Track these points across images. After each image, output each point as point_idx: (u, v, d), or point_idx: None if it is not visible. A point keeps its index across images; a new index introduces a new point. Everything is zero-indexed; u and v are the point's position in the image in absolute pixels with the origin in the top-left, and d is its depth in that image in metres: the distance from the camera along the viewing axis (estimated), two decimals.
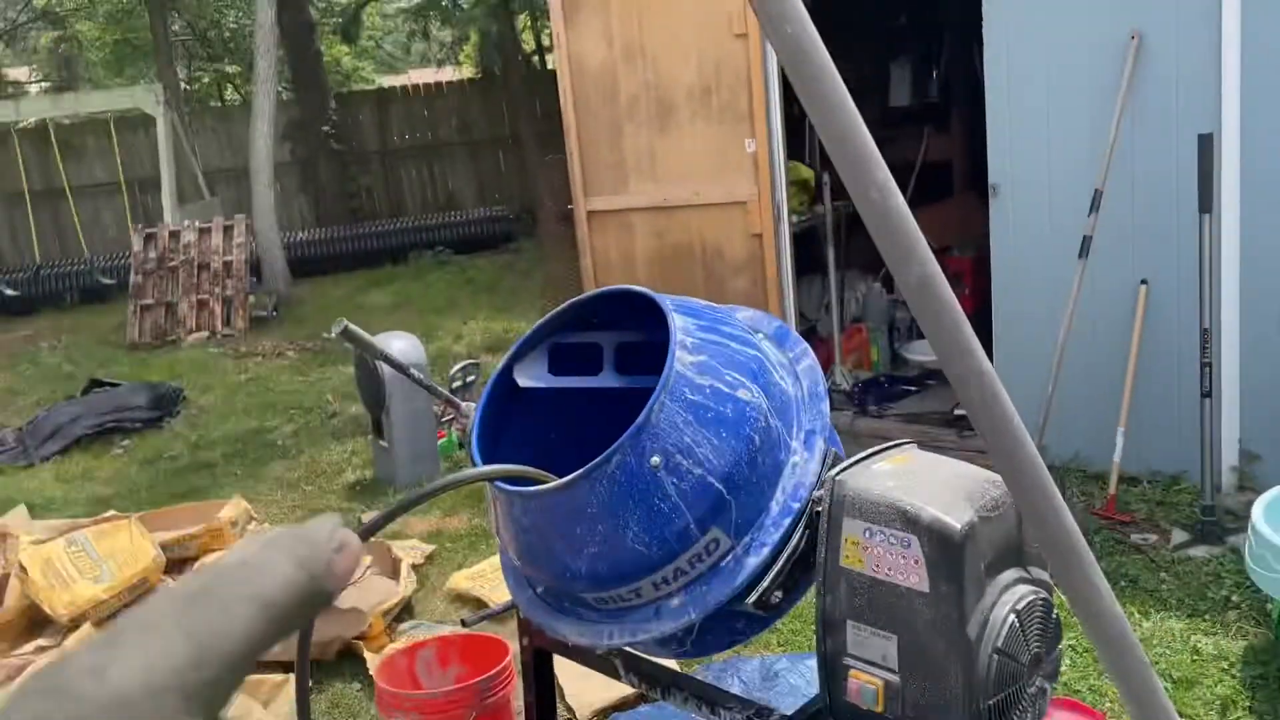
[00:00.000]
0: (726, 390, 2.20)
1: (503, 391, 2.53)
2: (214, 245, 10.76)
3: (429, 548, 4.95)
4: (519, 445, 2.65)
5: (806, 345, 2.44)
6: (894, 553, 1.90)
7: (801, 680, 3.54)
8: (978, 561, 1.85)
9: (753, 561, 2.14)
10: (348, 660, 4.00)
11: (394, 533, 5.24)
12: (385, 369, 5.70)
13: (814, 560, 2.17)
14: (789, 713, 2.37)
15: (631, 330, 2.58)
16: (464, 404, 2.76)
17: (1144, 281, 4.62)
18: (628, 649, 2.62)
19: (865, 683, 1.93)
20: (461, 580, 4.55)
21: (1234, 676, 3.34)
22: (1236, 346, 4.44)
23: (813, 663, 3.63)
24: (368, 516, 5.43)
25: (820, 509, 2.08)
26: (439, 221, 14.23)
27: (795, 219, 6.03)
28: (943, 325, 1.00)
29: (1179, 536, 4.28)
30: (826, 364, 6.52)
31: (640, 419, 2.13)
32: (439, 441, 6.06)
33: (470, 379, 5.79)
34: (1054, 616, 1.97)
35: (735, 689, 3.52)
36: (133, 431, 7.35)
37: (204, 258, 10.73)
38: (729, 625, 2.36)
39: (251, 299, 11.03)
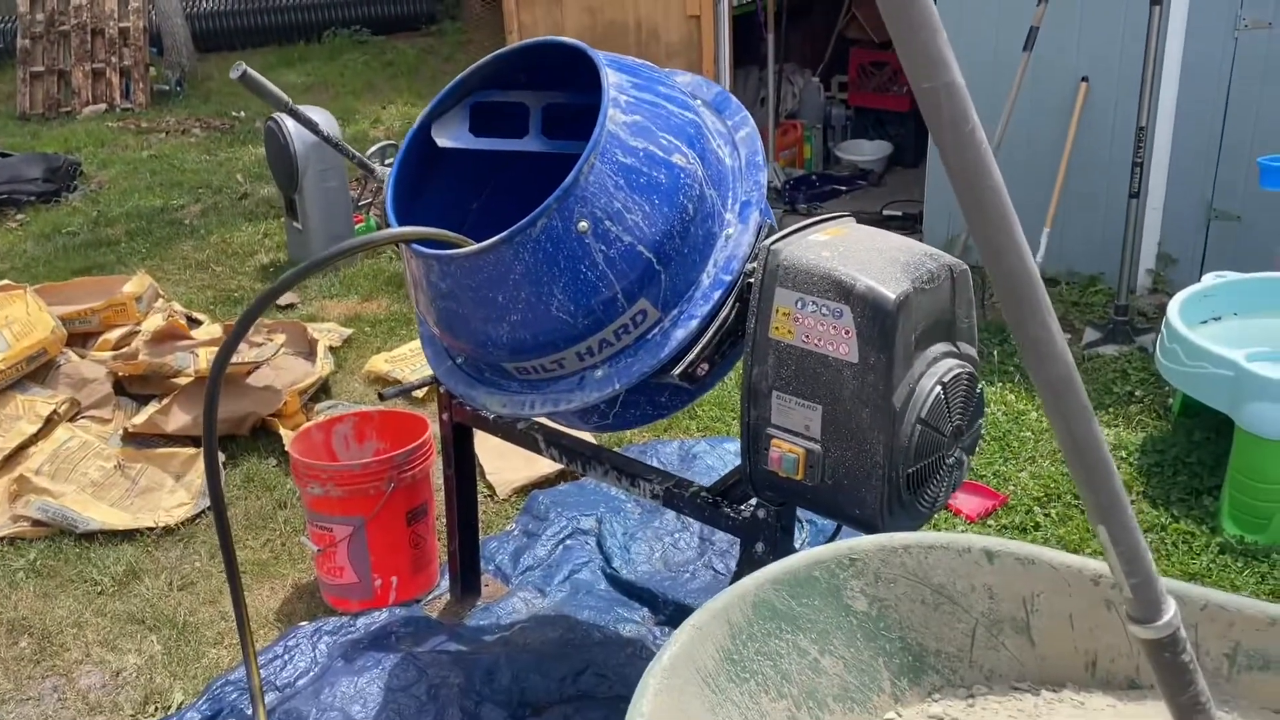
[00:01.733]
0: (661, 154, 2.08)
1: (420, 152, 2.37)
2: (108, 9, 9.93)
3: (347, 331, 4.84)
4: (436, 212, 2.51)
5: (747, 113, 2.32)
6: (825, 323, 1.85)
7: (719, 463, 3.60)
8: (909, 333, 1.81)
9: (680, 334, 2.08)
10: (263, 437, 3.95)
11: (310, 315, 5.10)
12: (298, 146, 5.40)
13: (743, 333, 2.13)
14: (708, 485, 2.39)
15: (561, 91, 2.42)
16: (378, 168, 2.59)
17: (1084, 79, 4.53)
18: (548, 423, 2.60)
19: (787, 451, 1.92)
20: (380, 363, 4.47)
21: (1131, 464, 3.48)
22: (1168, 149, 4.42)
23: (731, 446, 3.69)
24: (281, 298, 5.27)
25: (752, 280, 2.02)
26: None
27: (734, 1, 5.73)
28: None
29: (1090, 335, 4.37)
30: None
31: (568, 180, 2.01)
32: (356, 226, 5.84)
33: (388, 161, 5.53)
34: (978, 391, 1.97)
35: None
36: (26, 205, 6.94)
37: (98, 23, 9.92)
38: (652, 398, 2.34)
39: (153, 71, 10.31)
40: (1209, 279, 3.63)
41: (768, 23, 6.02)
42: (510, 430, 2.65)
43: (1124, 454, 3.55)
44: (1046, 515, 3.26)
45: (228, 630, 2.99)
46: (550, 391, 2.19)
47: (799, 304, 1.89)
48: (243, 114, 9.53)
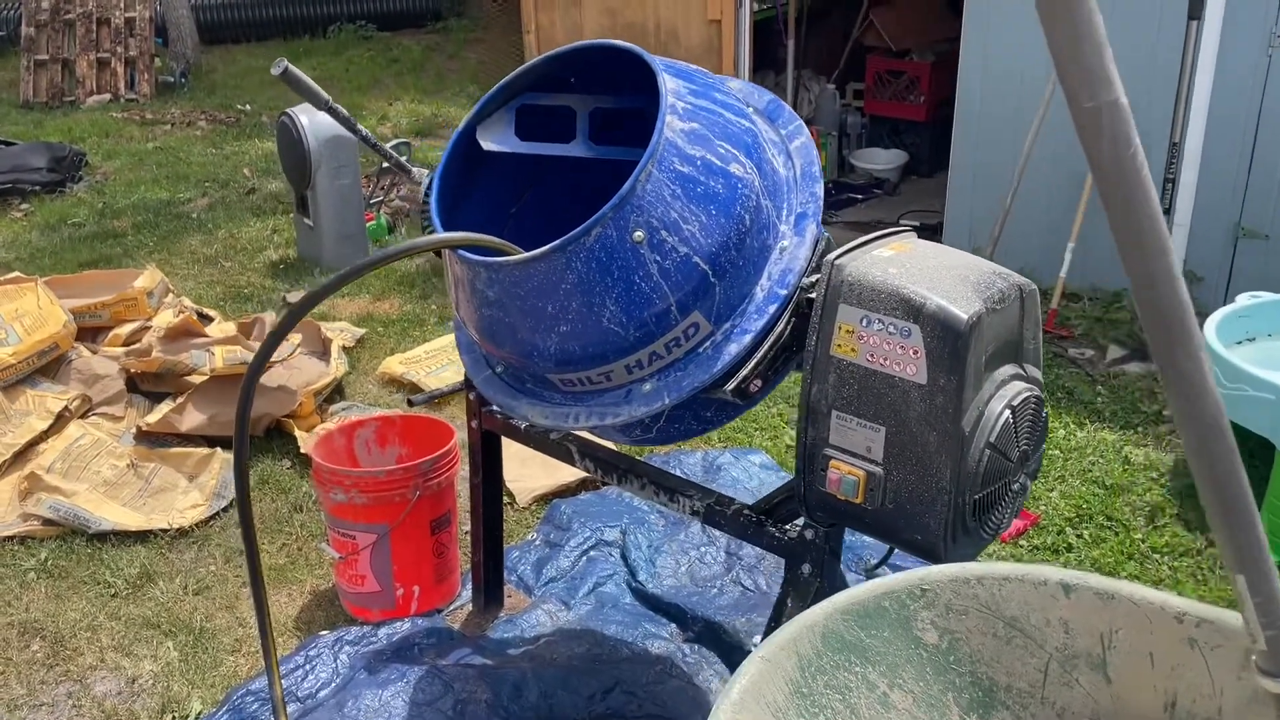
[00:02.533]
0: (719, 163, 2.02)
1: (463, 154, 2.30)
2: None
3: (360, 331, 4.76)
4: (477, 216, 2.45)
5: (801, 122, 2.26)
6: (892, 342, 1.79)
7: (744, 474, 3.54)
8: (979, 355, 1.75)
9: (733, 349, 2.02)
10: (277, 438, 3.87)
11: (322, 314, 5.03)
12: (311, 142, 5.32)
13: (797, 348, 2.07)
14: (750, 502, 2.33)
15: (609, 95, 2.36)
16: (415, 169, 2.52)
17: None
18: (583, 433, 2.53)
19: (847, 473, 1.86)
20: (395, 364, 4.40)
21: (1163, 486, 3.43)
22: (1196, 166, 4.38)
23: (756, 458, 3.63)
24: (292, 296, 5.20)
25: (812, 295, 1.96)
26: None
27: (755, 6, 5.67)
28: (1080, 44, 0.84)
29: (1115, 352, 4.33)
30: None
31: (625, 188, 1.95)
32: (368, 225, 5.77)
33: (403, 158, 5.46)
34: (1044, 414, 1.91)
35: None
36: (31, 194, 6.85)
37: (103, 12, 9.82)
38: (698, 413, 2.27)
39: (157, 62, 10.22)
40: (1244, 299, 3.59)
41: (788, 28, 5.97)
42: (543, 440, 2.58)
43: (1155, 474, 3.50)
44: (1079, 536, 3.21)
45: (245, 637, 2.92)
46: (595, 404, 2.13)
47: (864, 321, 1.83)
48: (248, 107, 9.45)
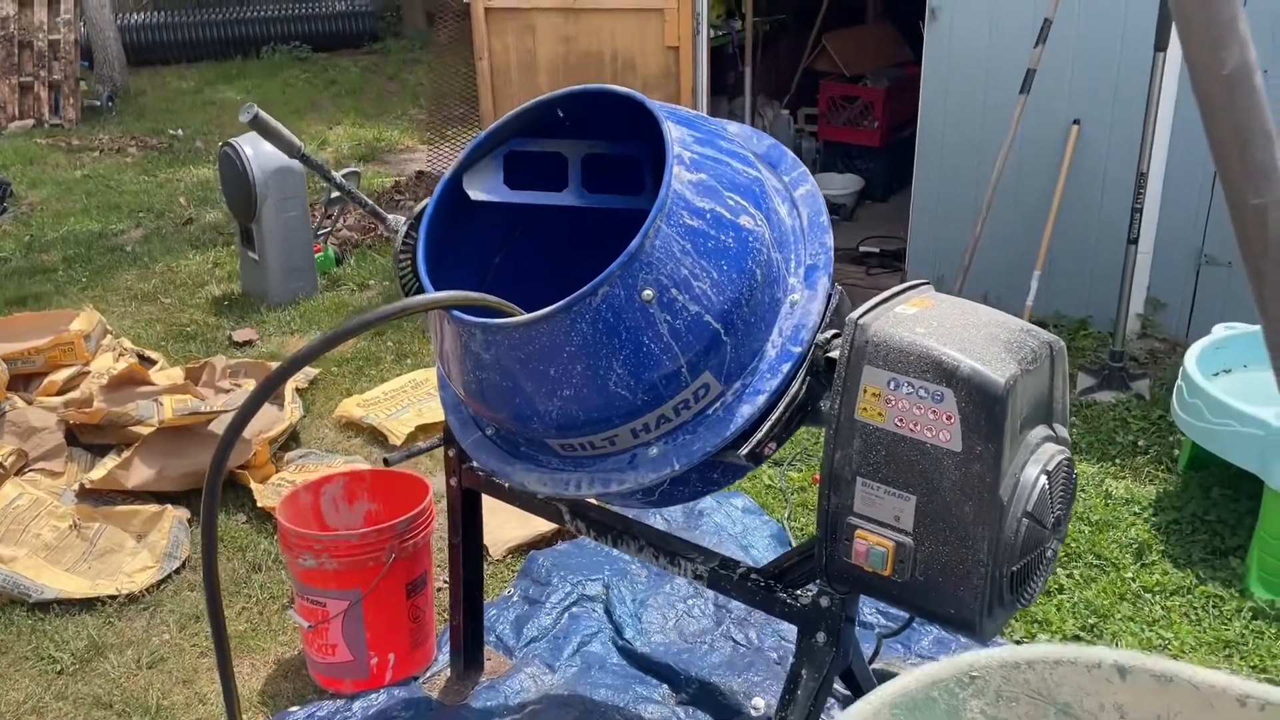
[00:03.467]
0: (729, 216, 1.91)
1: (449, 204, 2.16)
2: (38, 21, 9.46)
3: (314, 372, 4.56)
4: (462, 268, 2.31)
5: (805, 169, 2.16)
6: (923, 407, 1.70)
7: (727, 520, 3.43)
8: (1016, 419, 1.67)
9: (746, 410, 1.91)
10: (230, 490, 3.66)
11: (271, 353, 4.82)
12: (257, 173, 5.12)
13: (811, 408, 1.97)
14: (758, 565, 2.22)
15: (598, 140, 2.24)
16: (390, 216, 2.37)
17: (1076, 121, 4.49)
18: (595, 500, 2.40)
19: (875, 545, 1.76)
20: (353, 407, 4.21)
21: (1146, 520, 3.40)
22: (1159, 194, 4.39)
23: (739, 502, 3.52)
24: (238, 334, 4.98)
25: (831, 354, 1.86)
26: (296, 13, 12.95)
27: (711, 32, 5.61)
28: (1250, 135, 0.74)
29: (1085, 381, 4.31)
30: None
31: (633, 245, 1.83)
32: (316, 256, 5.57)
33: (352, 187, 5.27)
34: (1074, 476, 1.83)
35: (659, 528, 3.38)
36: None
37: (26, 35, 9.44)
38: (705, 475, 2.15)
39: (83, 86, 9.86)
40: (1219, 330, 3.58)
41: (744, 54, 5.91)
42: (530, 499, 2.44)
43: (1137, 509, 3.47)
44: (1069, 576, 3.15)
45: (208, 716, 2.72)
46: (598, 470, 2.00)
47: (892, 384, 1.73)
48: (181, 132, 9.14)
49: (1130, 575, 3.14)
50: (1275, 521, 2.97)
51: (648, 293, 1.81)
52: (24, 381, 4.08)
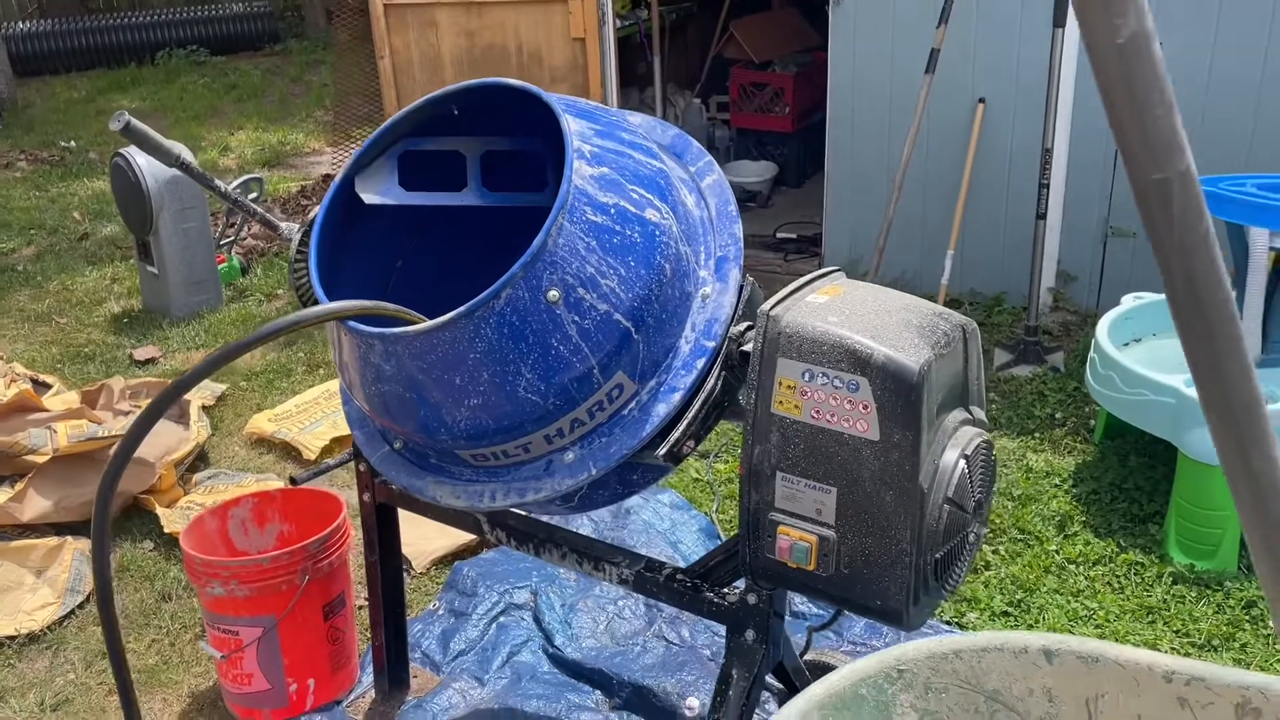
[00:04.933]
0: (634, 210, 1.85)
1: (341, 208, 2.07)
2: None
3: (220, 387, 4.40)
4: (359, 276, 2.21)
5: (711, 159, 2.11)
6: (839, 397, 1.66)
7: (655, 517, 3.38)
8: (932, 404, 1.64)
9: (662, 409, 1.85)
10: (135, 517, 3.50)
11: (175, 369, 4.64)
12: (150, 184, 4.91)
13: (727, 403, 1.92)
14: (651, 558, 2.18)
15: (498, 137, 2.16)
16: (283, 225, 2.26)
17: (981, 100, 4.53)
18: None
19: (798, 540, 1.72)
20: (264, 422, 4.06)
21: (1067, 492, 3.44)
22: (1064, 168, 4.46)
23: (666, 498, 3.47)
24: (140, 352, 4.78)
25: (745, 347, 1.81)
26: (190, 16, 12.54)
27: (617, 23, 5.54)
28: (1149, 107, 0.70)
29: (1001, 357, 4.36)
30: None
31: (535, 245, 1.75)
32: (219, 267, 5.37)
33: (253, 195, 5.10)
34: (993, 458, 1.81)
35: (586, 530, 3.32)
36: None
37: None
38: (624, 477, 2.09)
39: None
40: (1128, 300, 3.64)
41: (653, 43, 5.86)
42: (445, 511, 2.36)
43: (1058, 481, 3.51)
44: (995, 552, 3.17)
45: None
46: (513, 480, 1.93)
47: (806, 376, 1.69)
48: (73, 144, 8.78)
49: (1054, 548, 3.17)
50: (1190, 487, 3.02)
51: (553, 293, 1.75)
52: None
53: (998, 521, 3.30)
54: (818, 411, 1.68)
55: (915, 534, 1.65)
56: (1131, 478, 3.41)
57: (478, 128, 2.14)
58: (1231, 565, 2.98)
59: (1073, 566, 3.10)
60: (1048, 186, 4.12)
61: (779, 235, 5.73)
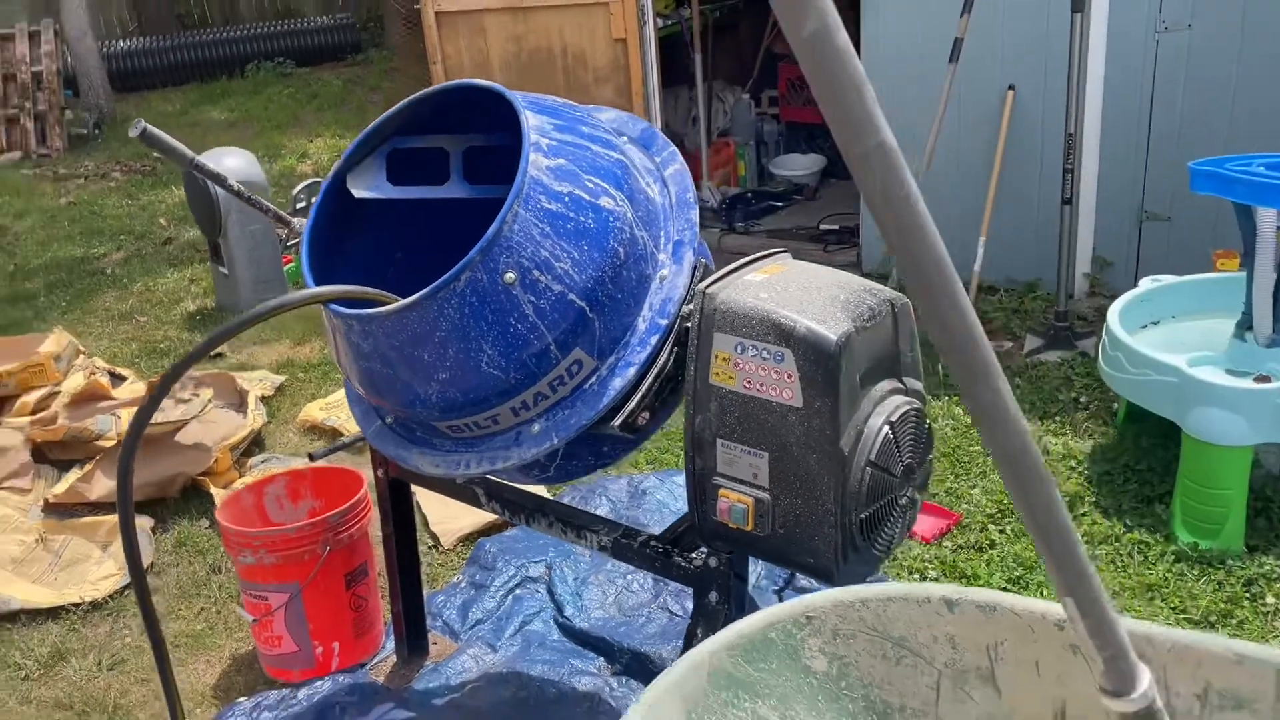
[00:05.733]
0: (587, 198, 2.00)
1: (337, 204, 2.26)
2: (19, 54, 9.64)
3: (279, 379, 4.68)
4: (359, 265, 2.41)
5: (675, 149, 2.25)
6: (766, 368, 1.78)
7: (669, 497, 3.52)
8: (853, 374, 1.75)
9: (618, 383, 2.00)
10: (194, 497, 3.78)
11: (241, 364, 4.94)
12: (219, 190, 5.23)
13: (683, 378, 2.05)
14: (657, 533, 2.31)
15: (481, 134, 2.33)
16: (295, 220, 2.47)
17: (1011, 87, 4.54)
18: (489, 477, 2.49)
19: (735, 501, 1.84)
20: (315, 411, 4.32)
21: (1081, 474, 3.46)
22: (1097, 152, 4.44)
23: (681, 479, 3.61)
24: None
25: (689, 324, 1.94)
26: (278, 30, 13.10)
27: (660, 22, 5.68)
28: (841, 90, 0.83)
29: (1032, 343, 4.37)
30: (694, 179, 6.32)
31: (491, 231, 1.92)
32: (286, 267, 5.68)
33: (316, 199, 5.39)
34: (926, 426, 1.91)
35: (603, 509, 3.48)
36: None
37: (9, 68, 9.62)
38: (595, 449, 2.25)
39: (69, 115, 10.03)
40: (1145, 283, 3.64)
41: (694, 42, 5.99)
42: (448, 485, 2.54)
43: (1074, 463, 3.53)
44: (1001, 532, 3.22)
45: (162, 711, 2.83)
46: (485, 449, 2.10)
47: (739, 349, 1.82)
48: (133, 135, 9.27)
49: None
50: (1194, 466, 3.03)
51: (510, 275, 1.90)
52: None
53: (1005, 503, 3.35)
54: (749, 381, 1.81)
55: (839, 495, 1.76)
56: (1145, 459, 3.42)
57: (469, 127, 2.32)
58: (1236, 544, 2.98)
59: None
60: (1073, 172, 4.13)
61: (822, 227, 5.79)
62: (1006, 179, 4.59)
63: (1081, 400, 3.93)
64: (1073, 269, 4.50)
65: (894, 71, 4.81)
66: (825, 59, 0.82)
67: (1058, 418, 3.84)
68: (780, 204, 6.35)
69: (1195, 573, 2.95)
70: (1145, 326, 3.55)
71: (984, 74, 4.55)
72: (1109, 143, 4.42)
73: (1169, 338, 3.48)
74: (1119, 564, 3.04)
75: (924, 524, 3.27)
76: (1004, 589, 2.99)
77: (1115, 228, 4.55)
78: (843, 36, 0.84)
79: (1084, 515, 3.25)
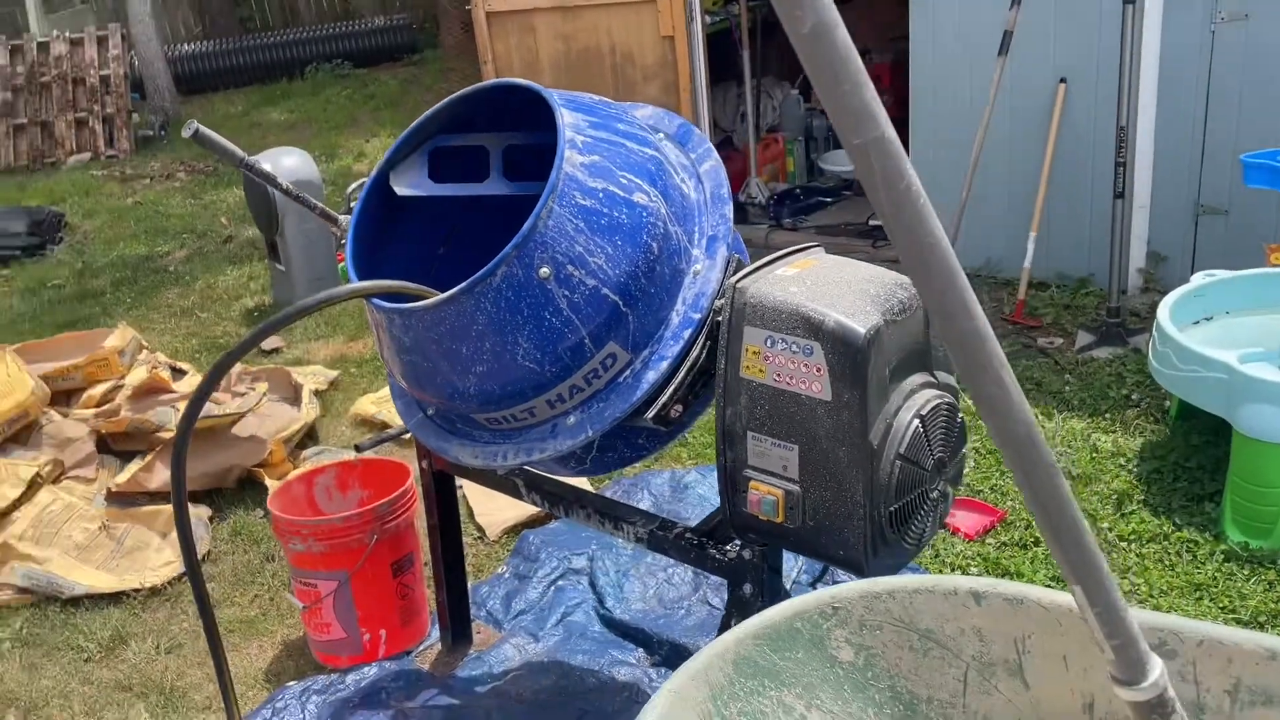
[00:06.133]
0: (621, 194, 2.03)
1: (381, 201, 2.32)
2: (89, 58, 9.94)
3: (333, 373, 4.79)
4: (402, 261, 2.46)
5: (710, 145, 2.27)
6: (796, 361, 1.80)
7: (711, 492, 3.54)
8: (882, 367, 1.76)
9: (651, 376, 2.03)
10: (249, 489, 3.89)
11: (297, 358, 5.06)
12: (275, 190, 5.35)
13: (713, 372, 2.07)
14: (693, 525, 2.33)
15: (521, 132, 2.37)
16: (343, 218, 2.54)
17: (1063, 80, 4.48)
18: (529, 469, 2.54)
19: (765, 494, 1.86)
20: (366, 405, 4.42)
21: (1130, 472, 3.42)
22: (1151, 147, 4.37)
23: None
24: (267, 342, 5.23)
25: (720, 318, 1.96)
26: (336, 32, 13.32)
27: (708, 19, 5.70)
28: (840, 84, 0.84)
29: (1084, 339, 4.31)
30: (742, 176, 6.33)
31: (526, 227, 1.96)
32: (340, 265, 5.79)
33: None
34: (959, 420, 1.91)
35: (645, 503, 3.51)
36: (11, 259, 6.92)
37: (79, 72, 9.92)
38: (630, 441, 2.28)
39: (136, 117, 10.31)
40: (1198, 278, 3.57)
41: (742, 38, 5.99)
42: (490, 476, 2.59)
43: (1123, 460, 3.49)
44: None
45: (216, 694, 2.92)
46: (522, 441, 2.14)
47: (769, 342, 1.83)
48: (185, 135, 9.49)
49: (1107, 525, 3.17)
50: (1245, 464, 2.98)
51: (544, 270, 1.94)
52: (65, 397, 4.36)
53: None
54: (779, 375, 1.83)
55: (868, 488, 1.77)
56: (1195, 456, 3.36)
57: (512, 125, 2.36)
58: None
59: (1124, 544, 3.10)
60: (1125, 165, 4.06)
61: (871, 223, 5.76)
62: (1057, 173, 4.53)
63: (1133, 398, 3.87)
64: (1125, 264, 4.44)
65: (943, 65, 4.77)
66: (825, 54, 0.84)
67: (1108, 415, 3.78)
68: (829, 200, 6.33)
69: (1245, 572, 2.90)
70: (1198, 322, 3.49)
71: (1035, 67, 4.50)
72: (1164, 135, 4.35)
73: (1222, 333, 3.41)
74: (1167, 563, 3.00)
75: (967, 521, 3.26)
76: (1047, 586, 2.96)
77: (1170, 222, 4.47)
78: (842, 33, 0.86)
79: (1132, 513, 3.21)
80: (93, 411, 4.11)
